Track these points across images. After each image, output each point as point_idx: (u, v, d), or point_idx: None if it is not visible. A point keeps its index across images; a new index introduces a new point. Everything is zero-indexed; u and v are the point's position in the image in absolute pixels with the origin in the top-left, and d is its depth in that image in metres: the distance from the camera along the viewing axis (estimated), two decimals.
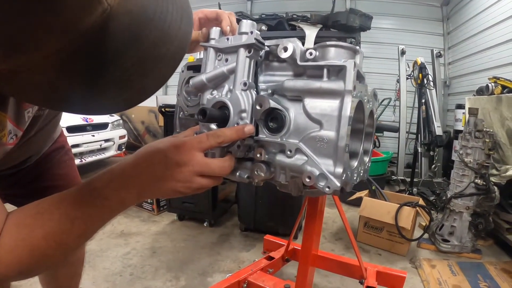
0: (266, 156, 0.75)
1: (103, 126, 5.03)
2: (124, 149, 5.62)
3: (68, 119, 4.20)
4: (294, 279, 1.67)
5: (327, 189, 0.68)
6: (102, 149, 5.00)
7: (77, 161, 4.40)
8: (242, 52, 0.78)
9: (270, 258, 2.09)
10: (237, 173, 0.80)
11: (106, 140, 5.03)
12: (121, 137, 5.42)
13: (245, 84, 0.77)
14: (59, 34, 0.37)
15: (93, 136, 4.74)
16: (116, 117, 5.56)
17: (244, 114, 0.75)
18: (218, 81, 0.82)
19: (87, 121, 4.67)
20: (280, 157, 0.74)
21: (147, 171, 0.64)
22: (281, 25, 5.19)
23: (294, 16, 5.33)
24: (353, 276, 2.00)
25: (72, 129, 4.33)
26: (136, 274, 2.35)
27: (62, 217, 0.59)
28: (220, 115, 0.75)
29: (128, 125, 6.84)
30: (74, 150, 4.33)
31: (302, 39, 4.90)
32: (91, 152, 4.78)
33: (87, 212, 0.61)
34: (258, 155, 0.75)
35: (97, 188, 0.62)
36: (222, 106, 0.78)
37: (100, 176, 0.64)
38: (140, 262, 2.53)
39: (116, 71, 0.46)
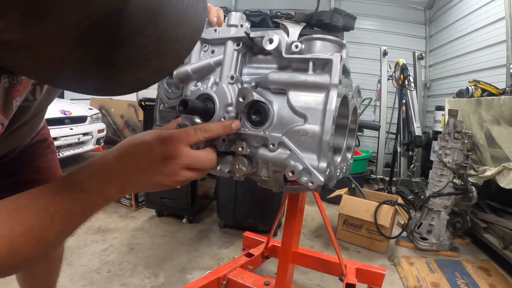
0: (248, 150, 0.73)
1: (81, 119, 4.91)
2: (102, 143, 5.51)
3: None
4: (274, 276, 1.67)
5: (310, 184, 0.67)
6: (80, 143, 4.88)
7: None
8: (230, 45, 0.77)
9: (249, 255, 2.07)
10: (218, 167, 0.78)
11: (85, 134, 4.91)
12: (100, 131, 5.31)
13: (232, 77, 0.76)
14: (81, 3, 0.36)
15: (71, 129, 4.62)
16: (95, 110, 5.45)
17: (230, 108, 0.74)
18: (203, 73, 0.80)
19: (65, 114, 4.56)
20: (263, 151, 0.73)
21: (132, 164, 0.62)
22: (264, 22, 5.18)
23: (278, 13, 5.33)
24: (333, 273, 2.00)
25: (50, 122, 4.15)
26: (114, 271, 2.30)
27: (41, 213, 0.56)
28: (202, 107, 0.74)
29: (107, 119, 6.72)
30: None
31: None
32: (69, 145, 4.65)
33: (68, 207, 0.58)
34: (240, 149, 0.73)
35: (79, 181, 0.60)
36: (206, 99, 0.76)
37: (82, 169, 0.61)
38: (118, 258, 2.48)
39: (133, 49, 0.45)
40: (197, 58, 0.82)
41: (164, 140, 0.63)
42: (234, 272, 1.87)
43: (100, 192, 0.60)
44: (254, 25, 5.17)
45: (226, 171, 0.77)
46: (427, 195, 2.91)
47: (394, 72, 4.81)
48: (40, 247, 0.57)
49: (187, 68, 0.80)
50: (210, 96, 0.75)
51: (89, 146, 5.07)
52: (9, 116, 0.72)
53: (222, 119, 0.74)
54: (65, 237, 0.62)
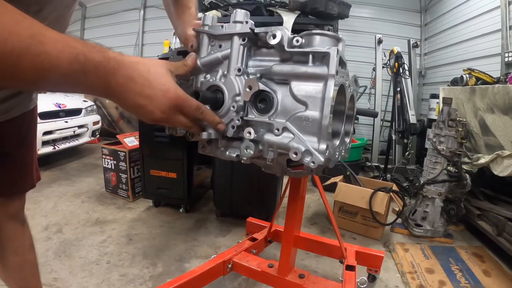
0: (255, 135, 0.80)
1: (76, 112, 4.91)
2: (98, 135, 5.52)
3: (40, 105, 4.06)
4: (276, 259, 1.72)
5: (312, 164, 0.74)
6: (76, 136, 4.89)
7: (50, 148, 4.32)
8: (237, 40, 0.84)
9: (253, 239, 2.12)
10: (227, 152, 0.86)
11: (80, 126, 4.91)
12: (95, 123, 5.30)
13: (239, 70, 0.83)
14: None
15: (66, 122, 4.61)
16: (89, 102, 5.43)
17: (238, 98, 0.81)
18: (212, 66, 0.87)
19: (60, 107, 4.55)
20: (268, 136, 0.80)
21: (128, 73, 0.63)
22: (258, 10, 5.12)
23: (272, 1, 5.29)
24: (333, 255, 2.06)
25: (45, 115, 4.21)
26: (113, 262, 2.32)
27: (25, 18, 0.48)
28: (212, 97, 0.81)
29: (102, 111, 6.69)
30: (46, 137, 4.23)
31: (280, 25, 4.87)
32: (65, 139, 4.66)
33: (58, 39, 0.51)
34: (247, 134, 0.81)
35: (86, 44, 0.57)
36: (216, 90, 0.83)
37: (99, 48, 0.59)
38: (116, 249, 2.49)
39: None
40: (205, 52, 0.88)
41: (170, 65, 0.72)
42: (239, 255, 1.92)
43: (89, 73, 0.57)
44: None
45: (235, 155, 0.85)
46: (422, 182, 2.95)
47: (389, 60, 4.81)
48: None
49: (197, 61, 0.87)
50: (220, 87, 0.83)
51: (85, 139, 5.08)
52: None
53: (231, 108, 0.81)
54: (11, 50, 0.46)
